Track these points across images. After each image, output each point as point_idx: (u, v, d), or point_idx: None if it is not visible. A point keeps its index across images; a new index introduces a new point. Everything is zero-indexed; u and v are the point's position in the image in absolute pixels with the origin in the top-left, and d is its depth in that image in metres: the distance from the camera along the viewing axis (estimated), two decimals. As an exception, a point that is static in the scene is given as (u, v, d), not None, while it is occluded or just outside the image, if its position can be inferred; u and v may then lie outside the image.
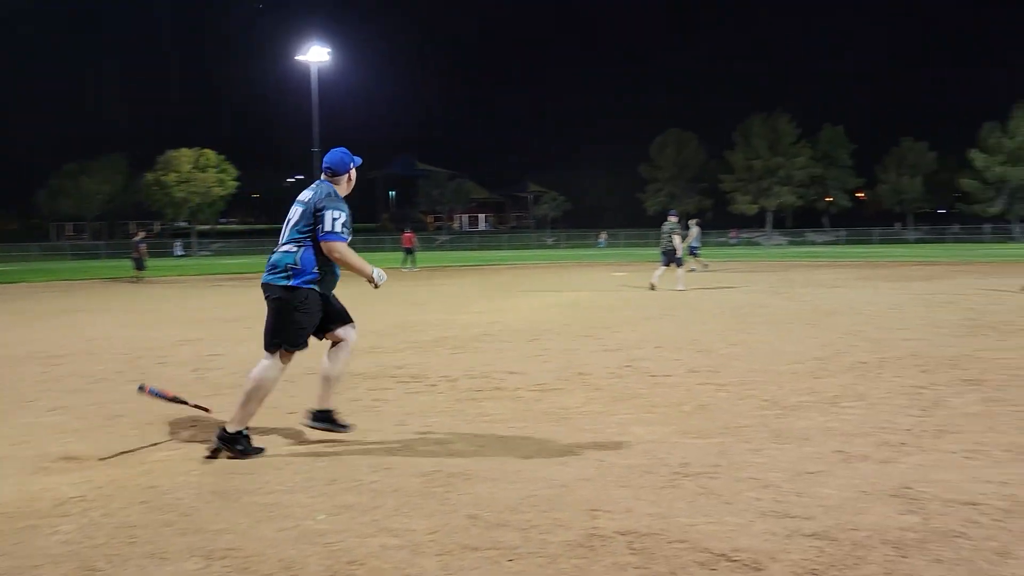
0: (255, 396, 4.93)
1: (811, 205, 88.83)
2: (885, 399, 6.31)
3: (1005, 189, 74.66)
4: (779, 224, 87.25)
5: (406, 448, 5.08)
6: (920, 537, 3.48)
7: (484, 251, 68.99)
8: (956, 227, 77.29)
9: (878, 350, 8.82)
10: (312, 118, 66.45)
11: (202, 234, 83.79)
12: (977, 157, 74.32)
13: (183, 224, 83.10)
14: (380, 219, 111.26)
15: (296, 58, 66.82)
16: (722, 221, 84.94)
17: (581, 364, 8.27)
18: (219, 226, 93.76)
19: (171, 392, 5.43)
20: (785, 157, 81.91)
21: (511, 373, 7.79)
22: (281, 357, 5.00)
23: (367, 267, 5.18)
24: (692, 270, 24.60)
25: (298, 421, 5.52)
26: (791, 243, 75.32)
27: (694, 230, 27.02)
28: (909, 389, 6.67)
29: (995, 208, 75.11)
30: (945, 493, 4.03)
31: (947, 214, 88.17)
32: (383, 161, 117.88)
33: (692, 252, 26.27)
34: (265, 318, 5.04)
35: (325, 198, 5.04)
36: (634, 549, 3.41)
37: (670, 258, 18.71)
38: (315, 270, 4.98)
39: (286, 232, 5.08)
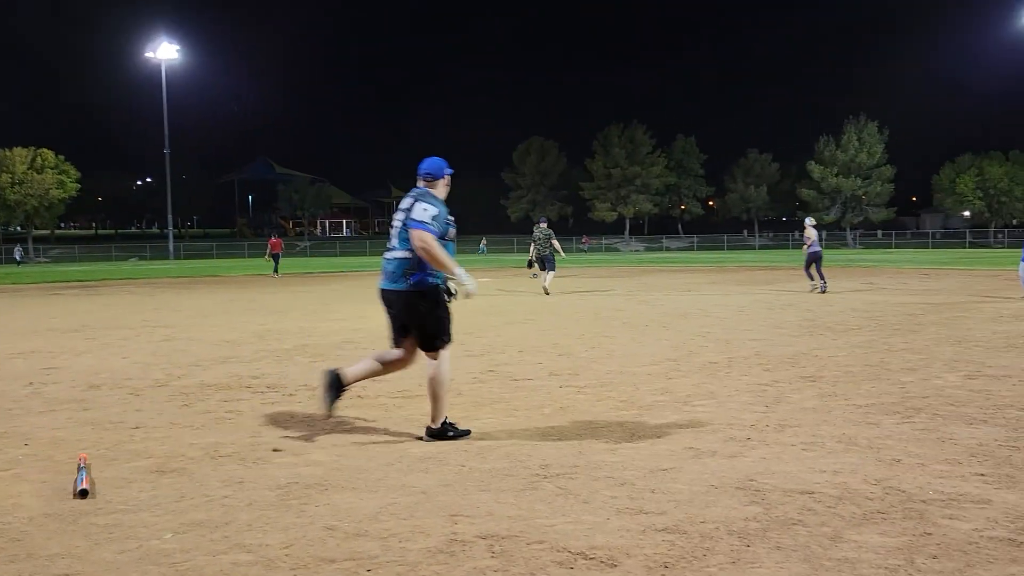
0: (441, 391, 5.39)
1: (666, 212, 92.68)
2: (733, 397, 6.64)
3: (839, 198, 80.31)
4: (636, 231, 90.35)
5: (261, 460, 4.91)
6: (762, 526, 3.67)
7: (347, 257, 67.88)
8: (797, 234, 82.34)
9: (726, 351, 9.27)
10: (163, 118, 63.51)
11: (40, 239, 78.44)
12: (814, 168, 79.63)
13: (18, 229, 77.45)
14: (237, 224, 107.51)
15: (145, 55, 63.72)
16: (583, 228, 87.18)
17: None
18: (59, 231, 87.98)
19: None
20: (642, 166, 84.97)
21: (373, 380, 7.67)
22: (442, 351, 5.36)
23: (453, 265, 5.21)
24: (535, 276, 25.06)
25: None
26: (648, 249, 78.11)
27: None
28: (754, 387, 7.04)
29: (831, 216, 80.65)
30: (785, 484, 4.27)
31: (789, 222, 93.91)
32: (239, 165, 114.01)
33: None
34: (392, 325, 5.45)
35: (421, 196, 5.33)
36: (494, 552, 3.42)
37: (549, 263, 19.23)
38: (431, 268, 5.19)
39: (394, 240, 5.33)
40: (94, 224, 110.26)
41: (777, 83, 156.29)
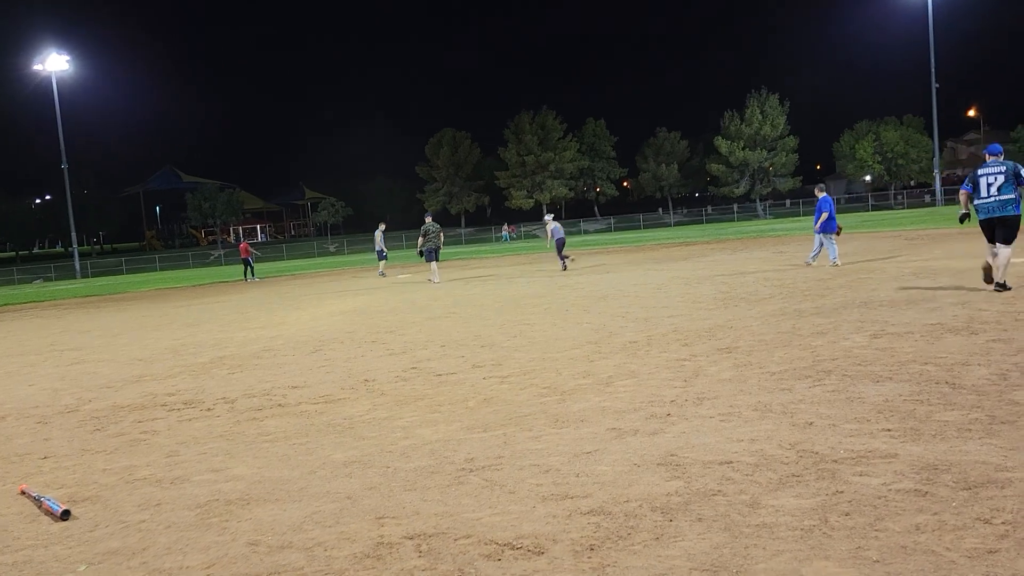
0: (1005, 264, 9.75)
1: (582, 196, 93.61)
2: (653, 374, 6.75)
3: (747, 171, 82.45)
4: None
5: (179, 480, 4.77)
6: (684, 500, 3.75)
7: (263, 263, 66.38)
8: (709, 209, 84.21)
9: (645, 329, 9.42)
10: (57, 132, 60.90)
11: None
12: (721, 143, 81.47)
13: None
14: (145, 238, 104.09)
15: (33, 67, 60.93)
16: (502, 217, 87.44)
17: (365, 371, 8.18)
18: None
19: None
20: (555, 152, 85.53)
21: (293, 388, 7.56)
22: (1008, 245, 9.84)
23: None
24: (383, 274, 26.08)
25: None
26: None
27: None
28: (673, 363, 7.18)
29: (740, 189, 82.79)
30: (704, 456, 4.37)
31: (701, 197, 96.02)
32: (144, 176, 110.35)
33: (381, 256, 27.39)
34: (997, 234, 9.91)
35: (1016, 165, 9.92)
36: (421, 552, 3.41)
37: (436, 254, 21.59)
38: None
39: (993, 191, 9.94)
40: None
41: (680, 61, 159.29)
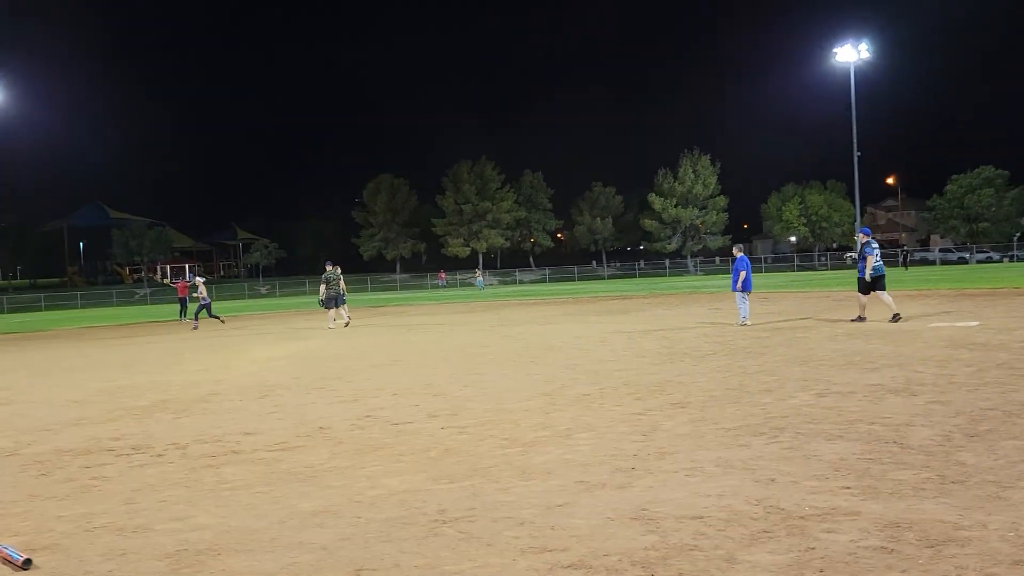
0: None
1: (518, 246, 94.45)
2: (611, 427, 6.86)
3: (679, 228, 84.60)
4: (489, 264, 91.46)
5: (142, 529, 4.64)
6: (662, 555, 3.83)
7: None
8: (642, 263, 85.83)
9: (596, 381, 9.56)
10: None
11: None
12: (655, 200, 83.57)
13: None
14: (67, 273, 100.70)
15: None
16: (437, 264, 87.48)
17: (319, 418, 8.08)
18: None
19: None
20: (492, 202, 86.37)
21: (246, 434, 7.42)
22: None
23: None
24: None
25: None
26: (501, 283, 79.14)
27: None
28: (629, 416, 7.30)
29: (672, 245, 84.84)
30: (676, 511, 4.47)
31: (634, 251, 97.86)
32: (69, 210, 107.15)
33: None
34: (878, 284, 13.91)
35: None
36: (407, 604, 3.40)
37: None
38: None
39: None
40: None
41: (617, 119, 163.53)
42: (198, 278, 28.27)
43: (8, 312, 61.73)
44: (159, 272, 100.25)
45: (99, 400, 10.26)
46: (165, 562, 4.05)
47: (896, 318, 14.85)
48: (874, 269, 15.29)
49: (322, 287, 22.35)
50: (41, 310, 63.90)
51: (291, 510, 4.90)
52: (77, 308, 64.37)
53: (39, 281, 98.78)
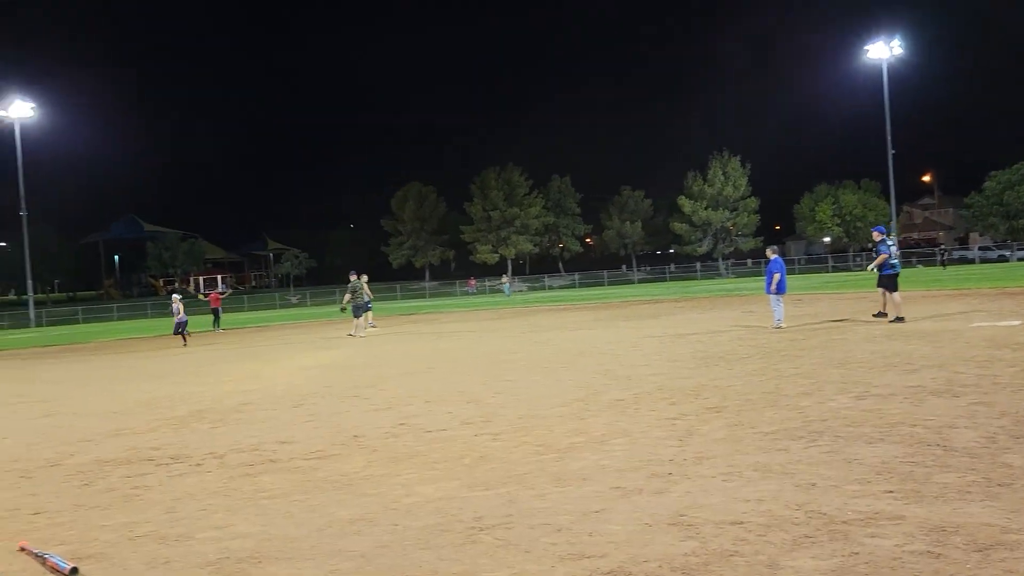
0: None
1: (546, 252, 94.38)
2: (646, 433, 6.81)
3: (710, 231, 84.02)
4: (518, 271, 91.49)
5: (184, 537, 4.69)
6: (702, 560, 3.79)
7: (224, 314, 65.54)
8: (672, 267, 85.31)
9: (629, 387, 9.50)
10: (17, 179, 60.16)
11: None
12: (684, 203, 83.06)
13: None
14: (103, 286, 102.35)
15: (-4, 113, 60.33)
16: (466, 271, 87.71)
17: (353, 426, 8.12)
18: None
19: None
20: (520, 207, 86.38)
21: (282, 443, 7.48)
22: None
23: None
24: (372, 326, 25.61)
25: None
26: (531, 289, 79.11)
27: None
28: (664, 421, 7.25)
29: (703, 248, 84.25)
30: (715, 516, 4.42)
31: (664, 255, 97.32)
32: (105, 224, 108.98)
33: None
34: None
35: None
36: (447, 612, 3.40)
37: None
38: None
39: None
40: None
41: (644, 121, 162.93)
42: (175, 295, 27.03)
43: (47, 325, 62.85)
44: (192, 284, 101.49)
45: (137, 411, 10.40)
46: (207, 570, 4.09)
47: (899, 319, 15.04)
48: (891, 267, 15.46)
49: (347, 296, 22.86)
50: (79, 323, 64.98)
51: (329, 518, 4.92)
52: (113, 320, 65.33)
53: (76, 294, 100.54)
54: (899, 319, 15.08)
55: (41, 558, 4.25)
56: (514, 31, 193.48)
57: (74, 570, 4.04)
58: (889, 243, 15.81)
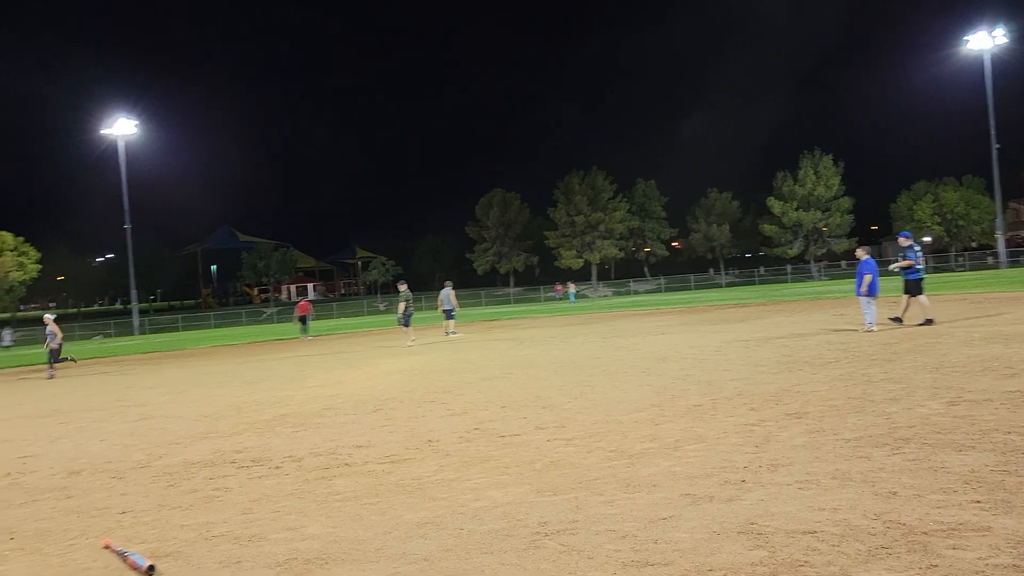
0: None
1: (632, 256, 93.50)
2: (722, 439, 6.65)
3: (801, 232, 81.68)
4: (603, 276, 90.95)
5: (256, 538, 4.81)
6: (770, 570, 3.67)
7: (315, 321, 67.31)
8: (762, 269, 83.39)
9: (709, 392, 9.31)
10: (122, 193, 63.22)
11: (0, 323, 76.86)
12: (774, 204, 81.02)
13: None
14: (202, 295, 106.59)
15: (101, 132, 63.61)
16: (550, 276, 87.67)
17: (428, 431, 8.20)
18: (19, 313, 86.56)
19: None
20: (604, 212, 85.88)
21: (358, 447, 7.61)
22: None
23: None
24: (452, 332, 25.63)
25: None
26: (616, 293, 78.53)
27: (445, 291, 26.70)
28: (741, 427, 7.07)
29: (794, 250, 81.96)
30: (786, 525, 4.28)
31: (753, 258, 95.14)
32: (202, 235, 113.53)
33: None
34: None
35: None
36: (505, 617, 3.38)
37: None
38: None
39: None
40: (55, 303, 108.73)
41: (730, 122, 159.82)
42: (48, 315, 23.21)
43: (149, 332, 65.82)
44: (284, 292, 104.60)
45: (227, 415, 10.75)
46: (276, 570, 4.18)
47: (928, 322, 15.42)
48: (916, 271, 15.90)
49: (402, 304, 23.03)
50: (178, 330, 67.82)
51: (396, 521, 4.97)
52: (210, 328, 67.98)
53: (176, 303, 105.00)
54: (928, 322, 15.40)
55: (122, 555, 4.43)
56: (600, 38, 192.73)
57: (151, 568, 4.19)
58: (916, 249, 16.22)
